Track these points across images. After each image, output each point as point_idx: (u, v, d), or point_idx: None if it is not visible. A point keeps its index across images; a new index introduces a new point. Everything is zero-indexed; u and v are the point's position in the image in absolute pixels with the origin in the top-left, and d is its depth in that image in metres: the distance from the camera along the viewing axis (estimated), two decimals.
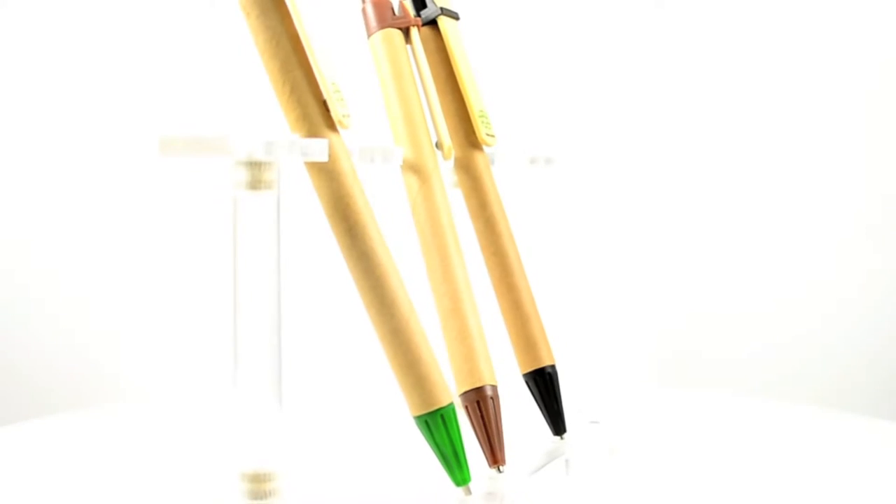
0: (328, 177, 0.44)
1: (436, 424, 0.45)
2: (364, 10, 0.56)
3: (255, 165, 0.44)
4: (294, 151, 0.43)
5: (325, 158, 0.44)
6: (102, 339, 0.84)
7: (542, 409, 0.55)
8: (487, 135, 0.57)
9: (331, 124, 0.45)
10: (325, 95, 0.44)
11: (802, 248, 0.94)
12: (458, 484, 0.46)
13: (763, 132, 0.94)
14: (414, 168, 0.53)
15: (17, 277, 0.84)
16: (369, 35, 0.55)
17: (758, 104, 0.94)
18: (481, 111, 0.57)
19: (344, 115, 0.45)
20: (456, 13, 0.59)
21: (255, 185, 0.44)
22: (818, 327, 0.93)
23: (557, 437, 0.55)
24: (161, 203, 0.83)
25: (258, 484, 0.44)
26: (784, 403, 0.75)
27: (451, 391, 0.46)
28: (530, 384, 0.55)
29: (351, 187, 0.45)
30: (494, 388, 0.50)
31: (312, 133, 0.45)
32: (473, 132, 0.56)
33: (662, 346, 0.86)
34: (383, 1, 0.56)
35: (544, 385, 0.55)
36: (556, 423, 0.55)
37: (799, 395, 0.90)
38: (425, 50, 0.58)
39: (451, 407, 0.45)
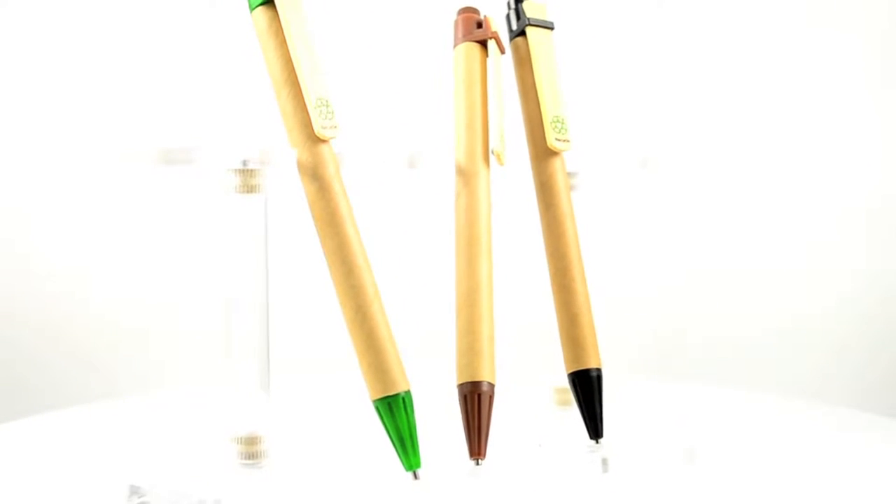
0: (310, 180, 0.50)
1: (386, 410, 0.48)
2: (455, 23, 0.60)
3: (244, 171, 0.50)
4: (261, 161, 0.49)
5: (291, 166, 0.49)
6: (99, 336, 0.89)
7: (582, 410, 0.55)
8: (557, 140, 0.58)
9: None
10: (309, 109, 0.49)
11: (801, 243, 0.92)
12: (407, 469, 0.49)
13: (764, 131, 0.91)
14: (462, 170, 0.56)
15: (16, 277, 0.91)
16: (454, 47, 0.59)
17: (759, 103, 0.91)
18: (556, 117, 0.58)
19: (324, 127, 0.50)
20: (548, 23, 0.60)
21: (245, 188, 0.51)
22: (817, 325, 0.92)
23: (593, 441, 0.55)
24: (149, 204, 0.88)
25: (250, 446, 0.51)
26: (778, 398, 0.72)
27: (407, 380, 0.49)
28: (571, 385, 0.56)
29: (327, 190, 0.49)
30: (491, 385, 0.52)
31: (300, 141, 0.50)
32: (555, 138, 0.58)
33: (657, 338, 0.81)
34: (470, 17, 0.60)
35: (583, 386, 0.55)
36: (594, 426, 0.55)
37: (791, 392, 0.85)
38: (517, 59, 0.60)
39: (399, 396, 0.48)
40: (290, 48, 0.50)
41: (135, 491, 0.48)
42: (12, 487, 0.52)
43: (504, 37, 0.61)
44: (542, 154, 0.58)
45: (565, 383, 0.63)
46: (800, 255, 0.94)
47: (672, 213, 0.90)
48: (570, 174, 0.62)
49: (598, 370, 0.56)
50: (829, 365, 0.92)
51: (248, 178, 0.51)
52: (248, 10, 0.52)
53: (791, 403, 0.71)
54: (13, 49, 0.88)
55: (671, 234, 0.91)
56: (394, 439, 0.49)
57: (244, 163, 0.49)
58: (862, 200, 0.92)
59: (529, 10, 0.60)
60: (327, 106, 0.51)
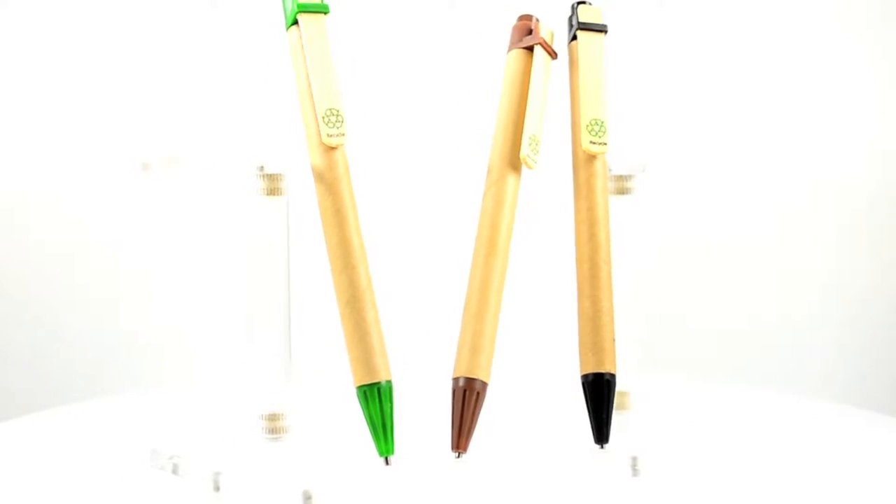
0: (319, 180, 0.54)
1: (363, 397, 0.52)
2: (512, 30, 0.61)
3: (268, 175, 0.55)
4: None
5: (294, 171, 0.54)
6: (119, 334, 0.91)
7: (590, 414, 0.55)
8: (592, 143, 0.57)
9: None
10: (318, 118, 0.53)
11: (801, 241, 0.93)
12: (380, 454, 0.52)
13: (762, 129, 0.92)
14: (492, 172, 0.58)
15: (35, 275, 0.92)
16: (507, 53, 0.60)
17: (758, 102, 0.92)
18: (593, 120, 0.58)
19: (329, 135, 0.54)
20: (599, 26, 0.60)
21: (269, 191, 0.56)
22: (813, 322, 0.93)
23: (598, 446, 0.55)
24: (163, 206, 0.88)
25: (274, 422, 0.57)
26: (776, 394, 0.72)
27: (389, 371, 0.52)
28: (583, 387, 0.55)
29: (333, 191, 0.53)
30: (484, 384, 0.54)
31: (313, 146, 0.54)
32: (590, 140, 0.58)
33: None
34: (524, 24, 0.61)
35: (596, 390, 0.55)
36: (602, 431, 0.55)
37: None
38: (569, 62, 0.61)
39: (376, 385, 0.51)
40: (309, 61, 0.55)
41: (160, 454, 0.55)
42: (53, 465, 0.58)
43: (564, 41, 0.62)
44: (581, 156, 0.59)
45: (621, 387, 0.63)
46: (797, 251, 0.94)
47: (668, 209, 0.89)
48: (623, 177, 0.62)
49: (613, 376, 0.56)
50: (824, 361, 0.92)
51: (271, 182, 0.56)
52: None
53: (788, 400, 0.70)
54: (35, 54, 0.92)
55: (666, 230, 0.90)
56: (370, 425, 0.52)
57: (261, 168, 0.55)
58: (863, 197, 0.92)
59: (583, 14, 0.61)
60: (337, 116, 0.55)
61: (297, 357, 0.57)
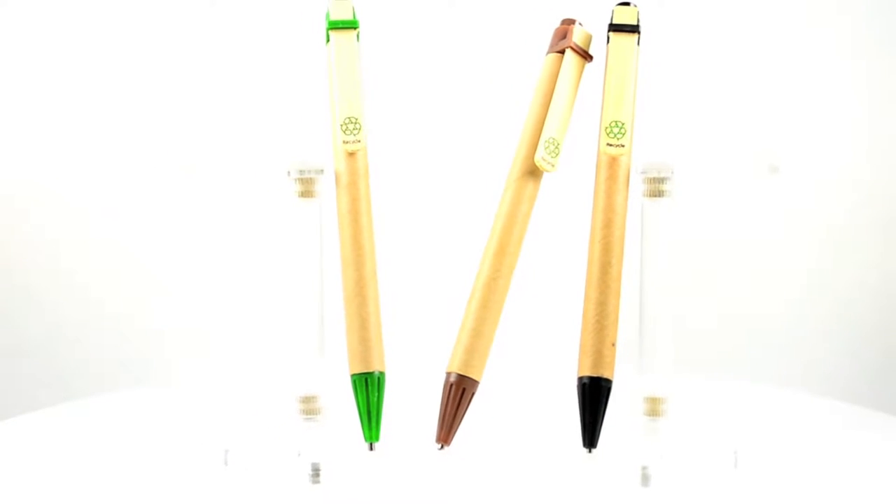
0: (338, 183, 0.58)
1: (353, 385, 0.55)
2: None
3: (304, 179, 0.59)
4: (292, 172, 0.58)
5: (319, 175, 0.58)
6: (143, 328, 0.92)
7: (584, 417, 0.54)
8: (608, 144, 0.57)
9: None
10: (337, 126, 0.57)
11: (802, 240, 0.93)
12: (366, 440, 0.55)
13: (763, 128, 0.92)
14: (512, 172, 0.59)
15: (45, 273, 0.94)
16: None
17: (760, 102, 0.92)
18: (614, 121, 0.57)
19: (345, 142, 0.57)
20: (630, 27, 0.58)
21: (304, 194, 0.60)
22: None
23: (585, 450, 0.54)
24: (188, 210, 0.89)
25: (309, 404, 0.61)
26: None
27: (383, 362, 0.54)
28: (580, 389, 0.55)
29: (349, 194, 0.57)
30: (476, 382, 0.55)
31: (336, 151, 0.58)
32: (607, 143, 0.57)
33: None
34: (562, 28, 0.61)
35: (593, 394, 0.54)
36: (592, 435, 0.54)
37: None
38: (605, 64, 0.59)
39: (366, 375, 0.55)
40: (337, 71, 0.59)
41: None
42: (110, 454, 0.63)
43: (603, 44, 0.61)
44: (603, 158, 0.59)
45: (655, 392, 0.62)
46: (795, 250, 0.93)
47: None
48: (657, 180, 0.60)
49: (609, 381, 0.55)
50: (819, 358, 0.92)
51: (306, 185, 0.61)
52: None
53: (789, 397, 0.70)
54: (69, 59, 0.95)
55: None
56: (360, 412, 0.56)
57: (288, 173, 0.59)
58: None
59: (618, 15, 0.60)
60: (355, 124, 0.58)
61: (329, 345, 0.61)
